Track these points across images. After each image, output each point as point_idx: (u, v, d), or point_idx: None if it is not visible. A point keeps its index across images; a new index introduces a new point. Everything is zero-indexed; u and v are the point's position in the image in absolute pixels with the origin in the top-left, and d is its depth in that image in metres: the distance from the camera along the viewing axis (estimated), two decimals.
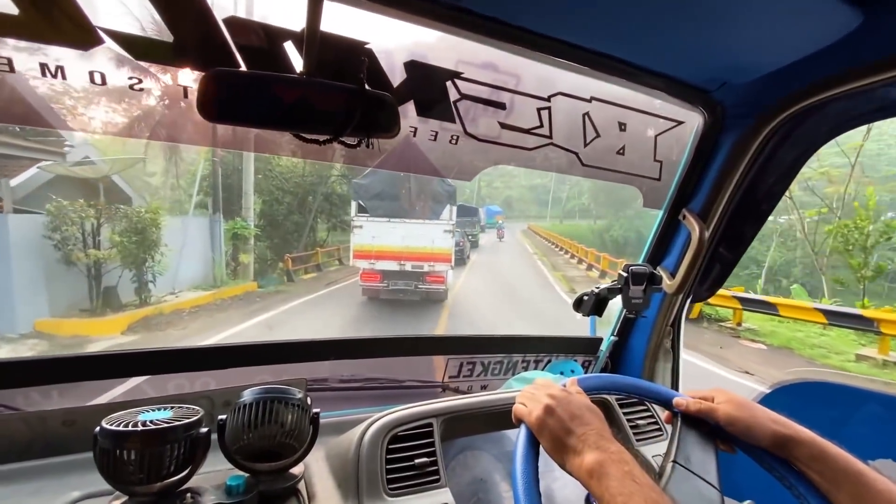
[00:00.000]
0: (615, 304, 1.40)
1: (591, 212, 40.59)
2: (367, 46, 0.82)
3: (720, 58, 0.98)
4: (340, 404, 1.26)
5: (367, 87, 0.77)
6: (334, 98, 0.76)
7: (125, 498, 0.76)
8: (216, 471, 0.84)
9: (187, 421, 0.76)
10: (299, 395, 0.86)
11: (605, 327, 1.57)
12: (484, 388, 1.46)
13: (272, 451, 0.82)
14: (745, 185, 1.18)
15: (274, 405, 0.82)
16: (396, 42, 0.86)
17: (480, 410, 1.06)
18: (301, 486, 0.88)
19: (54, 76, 0.67)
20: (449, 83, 0.91)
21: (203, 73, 0.64)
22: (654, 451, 1.14)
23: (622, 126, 1.13)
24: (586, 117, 1.07)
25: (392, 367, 1.41)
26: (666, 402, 0.85)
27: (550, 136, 1.04)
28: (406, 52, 0.85)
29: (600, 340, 1.55)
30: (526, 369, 1.49)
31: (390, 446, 0.92)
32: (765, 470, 0.74)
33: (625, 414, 1.17)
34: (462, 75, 0.91)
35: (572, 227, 35.72)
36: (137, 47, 0.69)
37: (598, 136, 1.10)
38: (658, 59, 1.00)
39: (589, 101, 1.05)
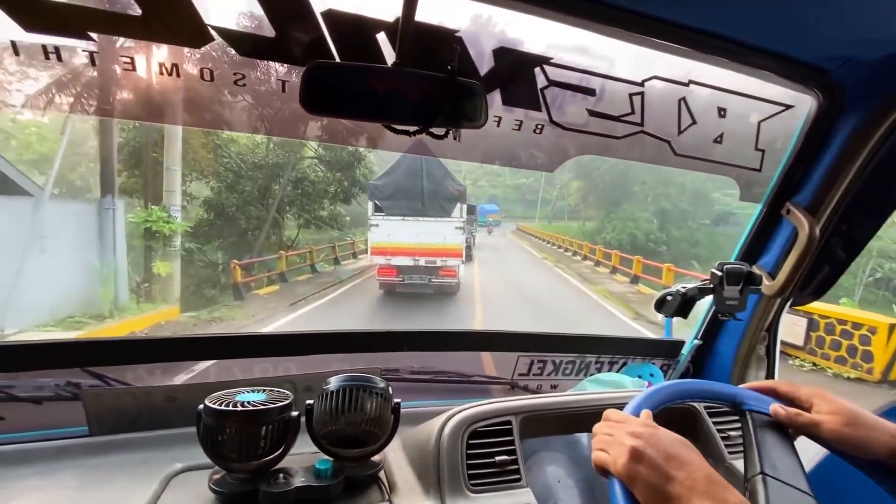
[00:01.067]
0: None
1: (579, 212, 38.57)
2: (457, 34, 0.80)
3: (844, 31, 0.86)
4: (411, 395, 1.27)
5: (456, 76, 0.76)
6: (424, 88, 0.75)
7: (223, 473, 0.81)
8: (303, 453, 0.87)
9: (280, 404, 0.80)
10: (381, 385, 0.87)
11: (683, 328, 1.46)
12: (554, 387, 1.42)
13: (357, 438, 0.84)
14: (866, 177, 1.04)
15: (358, 393, 0.83)
16: (486, 28, 0.83)
17: (558, 412, 1.02)
18: (382, 474, 0.89)
19: (169, 74, 0.71)
20: (537, 69, 0.87)
21: (304, 67, 0.65)
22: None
23: (722, 112, 1.03)
24: (682, 102, 0.99)
25: (460, 360, 1.40)
26: (735, 405, 0.76)
27: (642, 124, 0.97)
28: (495, 39, 0.83)
29: (681, 343, 1.45)
30: (599, 370, 1.43)
31: (470, 441, 0.91)
32: (875, 483, 0.65)
33: (715, 424, 1.09)
34: (551, 60, 0.87)
35: (562, 227, 33.63)
36: (243, 43, 0.72)
37: (693, 122, 1.01)
38: (769, 35, 0.90)
39: (687, 84, 0.97)
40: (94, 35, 0.65)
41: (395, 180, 10.46)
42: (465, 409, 0.95)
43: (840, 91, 1.00)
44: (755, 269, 1.20)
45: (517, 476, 0.89)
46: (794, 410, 0.72)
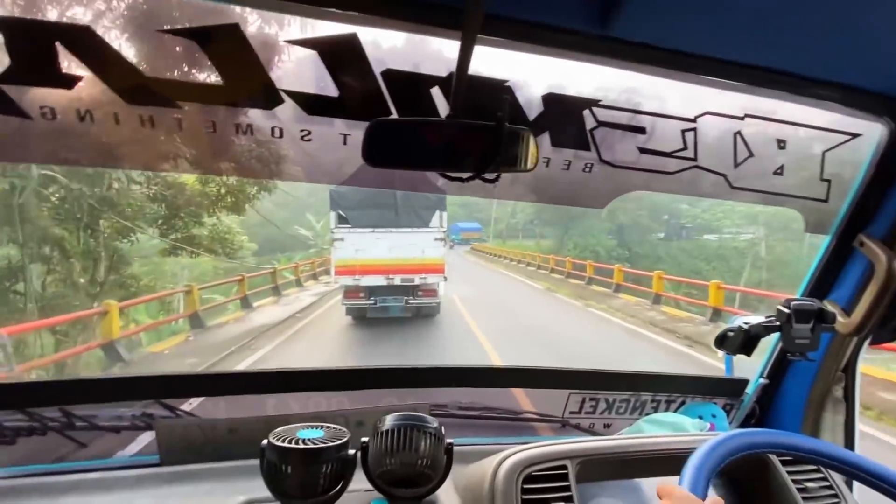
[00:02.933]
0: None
1: (533, 230, 36.72)
2: (506, 84, 0.83)
3: None
4: (460, 431, 1.26)
5: (506, 123, 0.78)
6: (476, 137, 0.78)
7: None
8: (359, 491, 0.88)
9: (338, 442, 0.82)
10: (434, 424, 0.87)
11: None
12: (607, 427, 1.37)
13: (411, 479, 0.85)
14: None
15: (412, 433, 0.84)
16: (535, 76, 0.86)
17: (618, 455, 0.98)
18: None
19: (245, 133, 0.78)
20: (586, 111, 0.89)
21: (367, 123, 0.70)
22: None
23: (781, 143, 1.00)
24: (738, 136, 0.96)
25: (509, 397, 1.38)
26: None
27: (695, 159, 0.96)
28: (544, 85, 0.85)
29: (745, 382, 1.36)
30: (656, 410, 1.36)
31: (525, 486, 0.89)
32: None
33: (789, 473, 1.00)
34: (600, 102, 0.89)
35: (517, 246, 31.91)
36: (310, 104, 0.78)
37: (751, 155, 0.98)
38: (828, 66, 0.87)
39: (742, 118, 0.95)
40: (182, 104, 0.73)
41: (362, 186, 8.39)
42: (520, 451, 0.93)
43: None
44: (827, 305, 1.12)
45: None
46: None
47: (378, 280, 8.74)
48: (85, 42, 0.69)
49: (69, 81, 0.70)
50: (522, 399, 1.46)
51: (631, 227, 27.48)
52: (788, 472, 1.01)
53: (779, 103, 0.94)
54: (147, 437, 1.07)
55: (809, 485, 1.00)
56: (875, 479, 0.71)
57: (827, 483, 1.02)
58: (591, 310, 11.26)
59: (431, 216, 9.18)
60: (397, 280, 8.79)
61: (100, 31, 0.68)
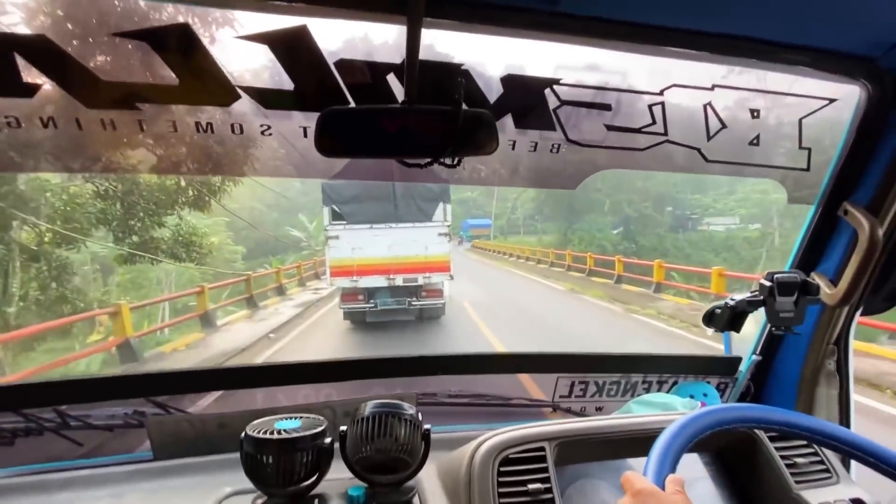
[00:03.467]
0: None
1: (534, 225, 34.84)
2: (463, 68, 0.83)
3: (882, 17, 0.79)
4: (450, 419, 1.27)
5: (464, 106, 0.78)
6: (433, 122, 0.78)
7: (265, 498, 0.85)
8: (339, 479, 0.89)
9: (313, 431, 0.83)
10: (411, 411, 0.88)
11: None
12: (599, 409, 1.36)
13: (388, 465, 0.86)
14: None
15: (388, 419, 0.85)
16: (492, 58, 0.85)
17: (598, 436, 0.98)
18: (415, 500, 0.90)
19: (205, 131, 0.79)
20: (547, 91, 0.88)
21: (318, 114, 0.71)
22: (820, 496, 0.94)
23: (755, 113, 0.97)
24: (708, 108, 0.94)
25: (499, 383, 1.38)
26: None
27: (665, 133, 0.94)
28: (502, 67, 0.85)
29: (737, 360, 1.34)
30: (648, 391, 1.35)
31: (501, 468, 0.89)
32: None
33: (778, 450, 0.99)
34: (561, 81, 0.88)
35: (519, 242, 30.30)
36: (266, 98, 0.79)
37: (724, 126, 0.96)
38: (797, 30, 0.85)
39: (711, 89, 0.93)
40: (140, 106, 0.75)
41: (357, 178, 7.39)
42: (497, 435, 0.94)
43: (891, 79, 0.91)
44: (814, 277, 1.10)
45: None
46: None
47: (378, 281, 8.07)
48: (42, 50, 0.70)
49: (30, 90, 0.72)
50: (529, 384, 1.46)
51: (636, 220, 26.09)
52: (777, 448, 0.99)
53: (749, 71, 0.92)
54: (140, 434, 1.10)
55: (799, 460, 0.99)
56: (834, 442, 0.70)
57: (818, 458, 1.00)
58: (638, 317, 9.44)
59: (434, 209, 8.42)
60: (399, 280, 8.11)
61: (55, 39, 0.70)
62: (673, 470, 0.67)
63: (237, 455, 0.95)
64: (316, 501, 0.83)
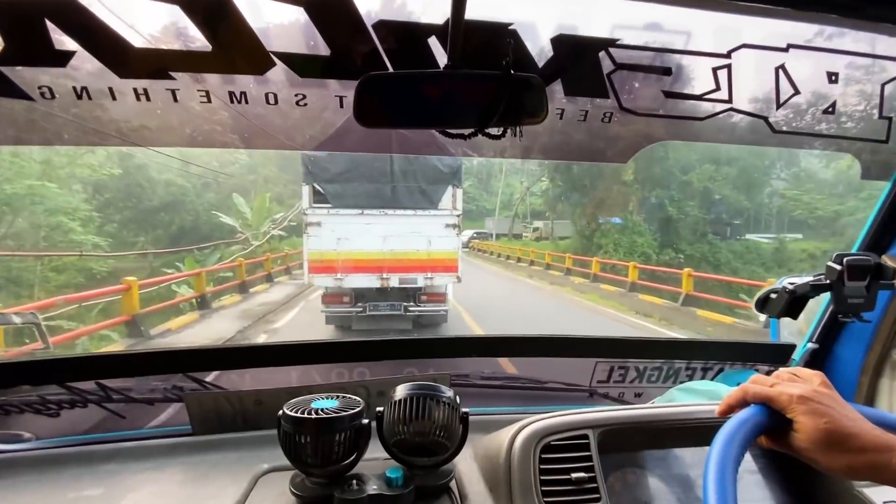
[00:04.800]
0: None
1: (546, 226, 27.45)
2: (510, 27, 0.76)
3: None
4: (482, 401, 1.24)
5: (512, 71, 0.72)
6: (479, 88, 0.73)
7: (303, 476, 0.85)
8: (376, 459, 0.88)
9: (352, 412, 0.81)
10: (449, 393, 0.85)
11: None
12: (638, 396, 1.31)
13: (426, 447, 0.84)
14: None
15: (426, 402, 0.82)
16: (542, 16, 0.78)
17: (643, 424, 0.93)
18: (453, 484, 0.88)
19: (239, 101, 0.76)
20: (602, 53, 0.80)
21: (357, 81, 0.66)
22: (885, 495, 0.87)
23: (832, 77, 0.87)
24: (780, 71, 0.85)
25: (533, 366, 1.35)
26: None
27: (730, 100, 0.85)
28: (553, 27, 0.77)
29: (791, 347, 1.26)
30: (691, 378, 1.29)
31: (543, 455, 0.86)
32: None
33: None
34: (618, 42, 0.80)
35: (526, 243, 25.03)
36: (301, 65, 0.75)
37: (796, 92, 0.87)
38: None
39: (785, 49, 0.84)
40: (174, 74, 0.72)
41: (345, 151, 5.43)
42: (537, 421, 0.90)
43: None
44: (886, 260, 1.00)
45: (596, 495, 0.82)
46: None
47: (368, 280, 6.63)
48: (72, 15, 0.68)
49: (62, 58, 0.70)
50: (563, 368, 1.42)
51: (681, 222, 19.74)
52: None
53: (830, 29, 0.82)
54: (177, 408, 1.12)
55: None
56: None
57: None
58: None
59: (442, 194, 6.86)
60: (394, 281, 6.67)
61: (84, 3, 0.67)
62: (739, 459, 0.61)
63: (273, 432, 0.95)
64: (354, 482, 0.82)
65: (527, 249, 21.58)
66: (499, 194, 33.92)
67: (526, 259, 20.55)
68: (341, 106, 0.77)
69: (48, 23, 0.68)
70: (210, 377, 1.15)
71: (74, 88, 0.71)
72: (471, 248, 27.47)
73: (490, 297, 11.38)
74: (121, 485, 0.89)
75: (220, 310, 9.88)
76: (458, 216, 6.85)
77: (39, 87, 0.71)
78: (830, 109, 0.90)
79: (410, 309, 6.83)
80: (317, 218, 6.58)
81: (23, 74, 0.71)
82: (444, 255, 6.77)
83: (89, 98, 0.72)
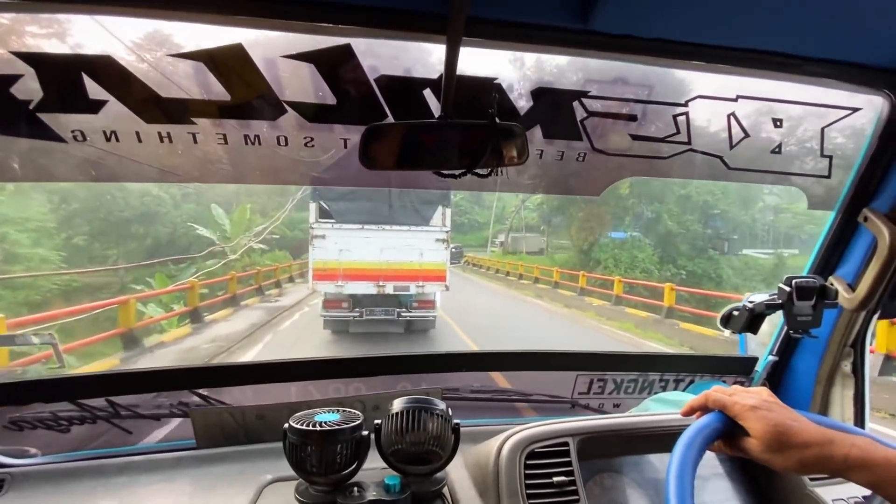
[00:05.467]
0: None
1: (531, 239, 27.45)
2: (495, 82, 0.87)
3: None
4: (473, 413, 1.32)
5: (497, 120, 0.82)
6: (468, 135, 0.82)
7: (307, 485, 0.91)
8: (374, 468, 0.95)
9: (353, 424, 0.89)
10: (441, 406, 0.93)
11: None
12: (616, 406, 1.40)
13: (421, 457, 0.91)
14: None
15: (421, 414, 0.90)
16: (524, 71, 0.89)
17: (618, 432, 1.02)
18: (446, 490, 0.95)
19: (253, 143, 0.84)
20: (575, 103, 0.91)
21: (364, 127, 0.75)
22: (834, 494, 0.97)
23: (777, 122, 1.00)
24: (731, 118, 0.97)
25: (518, 379, 1.43)
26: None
27: (689, 143, 0.97)
28: (533, 81, 0.88)
29: (754, 360, 1.37)
30: (665, 389, 1.39)
31: (528, 461, 0.94)
32: None
33: None
34: (589, 94, 0.91)
35: (521, 258, 24.27)
36: (310, 112, 0.84)
37: (746, 135, 0.99)
38: (820, 44, 0.87)
39: (735, 100, 0.96)
40: (196, 120, 0.80)
41: (350, 173, 5.48)
42: (523, 430, 0.99)
43: None
44: (833, 281, 1.12)
45: (576, 497, 0.91)
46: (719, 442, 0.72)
47: (365, 287, 7.43)
48: (106, 70, 0.76)
49: (95, 106, 0.78)
50: (546, 381, 1.50)
51: (679, 236, 18.99)
52: None
53: (773, 82, 0.94)
54: (176, 424, 1.17)
55: None
56: None
57: None
58: None
59: (433, 213, 7.86)
60: (389, 288, 7.49)
61: (118, 59, 0.75)
62: (696, 461, 0.71)
63: (275, 444, 1.02)
64: (355, 489, 0.89)
65: (529, 265, 20.18)
66: (493, 207, 32.93)
67: (529, 276, 19.03)
68: (345, 147, 0.86)
69: (84, 76, 0.76)
70: (214, 393, 1.21)
71: (104, 132, 0.79)
72: (467, 264, 26.35)
73: (501, 325, 10.42)
74: (133, 497, 0.94)
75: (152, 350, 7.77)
76: (446, 232, 7.79)
77: (73, 131, 0.79)
78: (777, 150, 1.02)
79: (403, 314, 7.64)
80: (322, 231, 7.50)
81: (57, 119, 0.79)
82: (434, 266, 7.65)
83: (117, 140, 0.80)
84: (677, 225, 19.20)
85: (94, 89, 0.77)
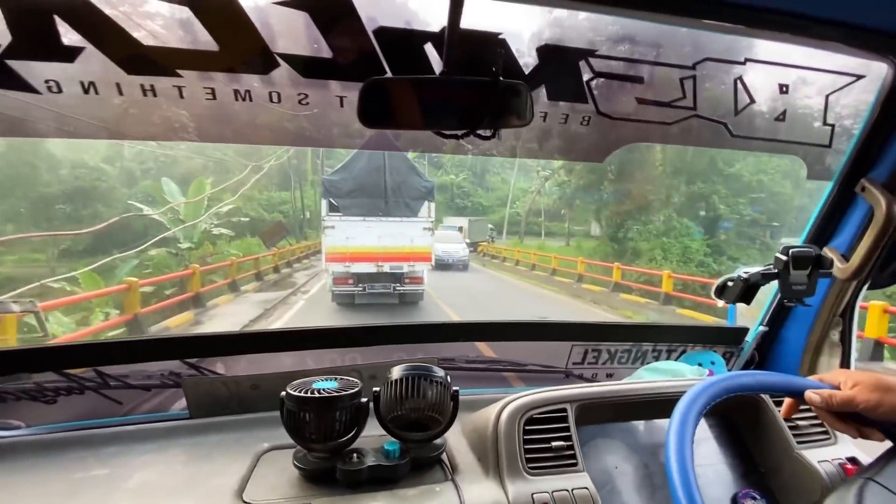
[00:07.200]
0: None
1: (561, 226, 24.24)
2: (500, 37, 0.83)
3: None
4: (468, 383, 1.32)
5: (501, 77, 0.78)
6: (471, 93, 0.79)
7: (305, 452, 0.91)
8: (373, 435, 0.95)
9: (352, 391, 0.88)
10: (441, 373, 0.93)
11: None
12: (609, 376, 1.42)
13: (420, 423, 0.91)
14: None
15: (420, 381, 0.90)
16: (530, 27, 0.85)
17: (614, 399, 1.03)
18: (444, 456, 0.96)
19: (244, 99, 0.80)
20: (582, 62, 0.88)
21: (361, 84, 0.71)
22: (819, 455, 1.01)
23: (783, 88, 0.98)
24: (738, 82, 0.95)
25: (514, 350, 1.44)
26: (798, 395, 0.77)
27: (695, 108, 0.95)
28: (539, 37, 0.84)
29: (745, 330, 1.39)
30: (657, 359, 1.41)
31: (526, 427, 0.95)
32: None
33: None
34: (596, 52, 0.88)
35: (541, 247, 20.92)
36: (304, 66, 0.79)
37: (752, 101, 0.97)
38: (832, 5, 0.85)
39: (743, 63, 0.93)
40: (181, 72, 0.75)
41: (354, 175, 9.40)
42: (522, 397, 0.99)
43: None
44: (827, 252, 1.13)
45: (574, 461, 0.92)
46: (826, 391, 0.75)
47: (367, 267, 9.18)
48: (82, 13, 0.70)
49: (70, 54, 0.72)
50: (541, 351, 1.51)
51: (729, 222, 16.30)
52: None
53: (780, 45, 0.92)
54: (166, 394, 1.15)
55: (801, 423, 1.05)
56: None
57: (819, 421, 1.07)
58: None
59: (420, 206, 9.76)
60: (386, 267, 9.26)
61: (95, 2, 0.69)
62: (695, 427, 0.72)
63: (271, 413, 1.00)
64: (354, 455, 0.88)
65: (572, 259, 15.89)
66: (510, 185, 29.62)
67: (568, 271, 15.18)
68: (342, 105, 0.82)
69: (57, 18, 0.70)
70: (206, 363, 1.19)
71: (82, 83, 0.74)
72: (481, 254, 23.36)
73: None
74: (126, 465, 0.92)
75: None
76: (431, 222, 9.86)
77: (46, 81, 0.73)
78: (782, 117, 1.01)
79: (397, 288, 9.50)
80: (332, 223, 9.31)
81: (30, 67, 0.73)
82: (422, 250, 9.58)
83: (96, 93, 0.74)
84: (729, 209, 16.26)
85: (69, 35, 0.71)
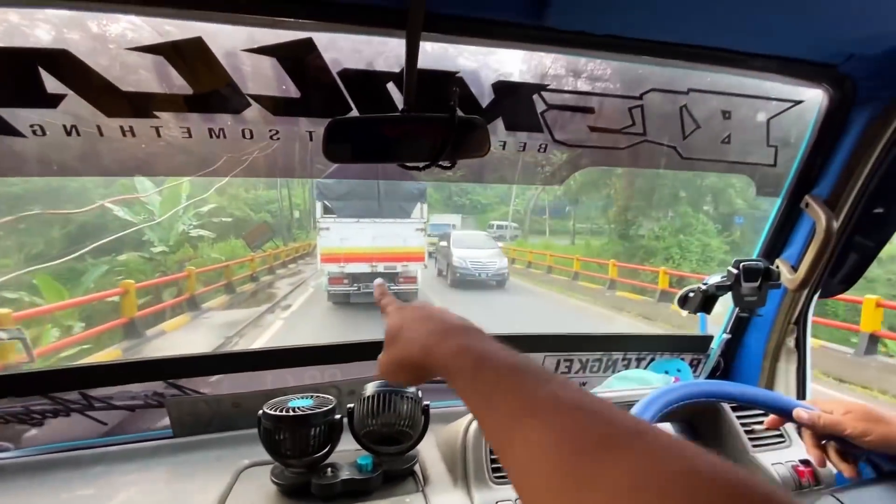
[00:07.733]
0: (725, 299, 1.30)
1: (564, 223, 23.51)
2: (457, 75, 0.89)
3: (842, 29, 0.87)
4: (443, 396, 1.37)
5: (458, 113, 0.85)
6: (430, 128, 0.85)
7: (282, 468, 0.95)
8: (348, 450, 0.99)
9: (325, 409, 0.92)
10: (412, 390, 0.97)
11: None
12: (583, 385, 1.47)
13: (392, 437, 0.96)
14: (885, 167, 1.02)
15: (392, 397, 0.95)
16: (484, 66, 0.91)
17: None
18: (417, 468, 1.00)
19: (218, 137, 0.85)
20: (535, 96, 0.95)
21: (327, 121, 0.77)
22: (773, 458, 1.06)
23: (726, 114, 1.05)
24: (684, 110, 1.02)
25: None
26: (785, 414, 0.82)
27: (644, 134, 1.02)
28: (494, 74, 0.91)
29: (710, 338, 1.46)
30: (627, 367, 1.47)
31: None
32: None
33: (738, 418, 1.11)
34: (548, 87, 0.94)
35: (545, 246, 20.19)
36: (274, 105, 0.85)
37: (698, 127, 1.04)
38: (767, 41, 0.92)
39: (686, 93, 1.01)
40: (158, 114, 0.80)
41: (348, 178, 9.22)
42: None
43: (850, 83, 0.99)
44: (778, 264, 1.20)
45: None
46: (816, 412, 0.78)
47: (362, 267, 9.30)
48: (64, 64, 0.75)
49: (54, 100, 0.77)
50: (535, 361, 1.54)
51: (751, 219, 14.94)
52: (738, 417, 1.11)
53: (721, 76, 0.99)
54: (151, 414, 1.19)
55: (756, 427, 1.11)
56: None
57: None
58: None
59: (413, 208, 9.92)
60: (380, 267, 9.43)
61: (76, 53, 0.74)
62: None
63: (252, 431, 1.04)
64: (329, 470, 0.93)
65: (601, 261, 13.94)
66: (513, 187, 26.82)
67: (592, 274, 13.16)
68: (311, 139, 0.87)
69: (40, 69, 0.75)
70: (190, 383, 1.23)
71: (65, 126, 0.79)
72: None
73: None
74: (110, 485, 0.96)
75: None
76: (424, 223, 9.91)
77: (31, 125, 0.78)
78: (727, 140, 1.08)
79: (391, 288, 8.90)
80: (326, 224, 9.41)
81: (16, 113, 0.78)
82: (415, 250, 9.65)
83: (78, 135, 0.80)
84: (746, 204, 15.06)
85: (51, 83, 0.76)
